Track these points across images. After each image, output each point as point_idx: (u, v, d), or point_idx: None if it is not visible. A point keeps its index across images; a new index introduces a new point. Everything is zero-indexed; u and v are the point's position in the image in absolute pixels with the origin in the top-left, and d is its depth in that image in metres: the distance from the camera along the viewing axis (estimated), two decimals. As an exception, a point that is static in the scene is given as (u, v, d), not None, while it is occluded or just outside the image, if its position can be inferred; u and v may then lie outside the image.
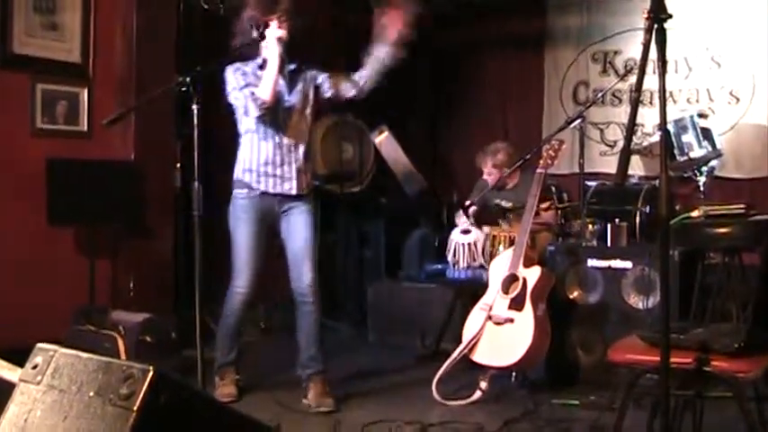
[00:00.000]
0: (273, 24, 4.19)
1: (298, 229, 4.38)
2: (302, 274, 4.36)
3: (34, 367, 1.90)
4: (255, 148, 4.33)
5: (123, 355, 4.58)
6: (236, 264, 4.39)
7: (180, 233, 5.90)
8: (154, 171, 5.72)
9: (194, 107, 3.58)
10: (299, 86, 4.40)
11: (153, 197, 5.69)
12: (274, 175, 4.33)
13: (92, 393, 1.75)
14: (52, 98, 5.43)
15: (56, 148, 5.31)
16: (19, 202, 5.18)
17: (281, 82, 4.31)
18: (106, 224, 5.47)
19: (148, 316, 4.96)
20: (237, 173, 4.39)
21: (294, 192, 4.36)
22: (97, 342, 4.59)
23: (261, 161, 4.33)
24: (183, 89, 3.63)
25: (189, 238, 5.13)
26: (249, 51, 4.30)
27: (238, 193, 4.37)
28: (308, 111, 4.44)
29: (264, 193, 4.33)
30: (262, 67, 4.29)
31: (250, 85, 4.24)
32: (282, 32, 4.18)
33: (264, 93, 4.18)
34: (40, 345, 1.95)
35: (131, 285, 5.62)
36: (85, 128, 5.57)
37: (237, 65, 4.30)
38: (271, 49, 4.18)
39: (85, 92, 5.57)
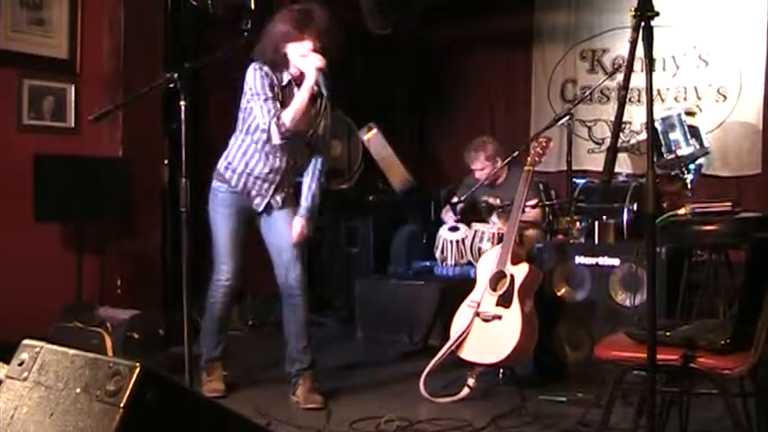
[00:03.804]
0: (306, 44, 4.06)
1: (280, 225, 4.33)
2: (288, 268, 4.33)
3: (20, 364, 1.90)
4: (249, 154, 4.26)
5: (110, 352, 4.57)
6: (218, 256, 4.37)
7: (168, 230, 5.90)
8: (141, 167, 5.70)
9: (182, 103, 3.57)
10: (313, 111, 4.26)
11: (140, 194, 5.68)
12: (252, 187, 4.30)
13: (78, 390, 1.75)
14: (39, 94, 5.41)
15: (43, 144, 5.29)
16: (5, 198, 5.16)
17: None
18: (94, 220, 5.45)
19: (136, 312, 4.95)
20: (221, 165, 4.33)
21: (260, 210, 4.31)
22: (84, 338, 4.58)
23: (246, 168, 4.27)
24: (171, 85, 3.62)
25: (177, 235, 5.13)
26: (279, 66, 4.16)
27: (218, 186, 4.33)
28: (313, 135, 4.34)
29: (242, 193, 4.31)
30: (288, 85, 4.17)
31: (274, 100, 4.11)
32: (322, 63, 4.04)
33: (288, 119, 4.06)
34: (26, 341, 1.95)
35: (119, 282, 5.61)
36: (73, 124, 5.55)
37: (266, 68, 4.13)
38: (308, 76, 4.06)
39: (73, 88, 5.55)
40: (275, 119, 4.06)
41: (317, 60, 4.05)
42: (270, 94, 4.10)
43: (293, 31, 4.09)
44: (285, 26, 4.12)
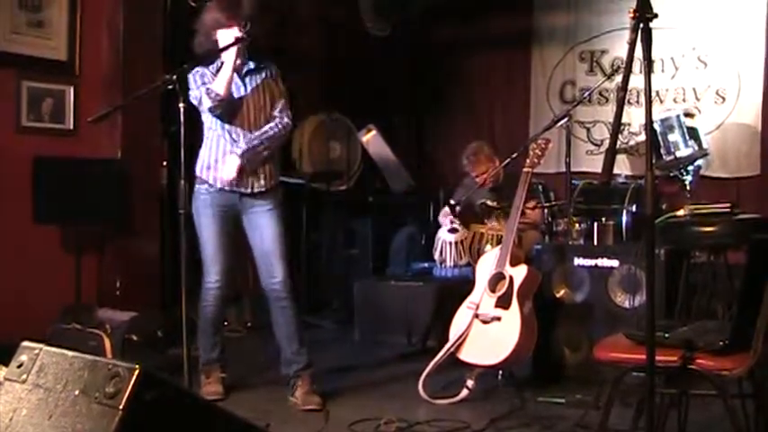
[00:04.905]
0: (234, 31, 4.17)
1: (262, 227, 4.33)
2: (272, 271, 4.31)
3: (19, 366, 1.90)
4: (214, 145, 4.30)
5: (109, 354, 4.56)
6: (205, 260, 4.37)
7: (166, 231, 5.89)
8: (140, 169, 5.70)
9: (181, 105, 3.57)
10: (259, 84, 4.34)
11: (139, 195, 5.67)
12: None
13: (77, 392, 1.75)
14: (38, 96, 5.41)
15: (41, 146, 5.29)
16: (4, 199, 5.16)
17: (238, 81, 4.28)
18: (92, 222, 5.45)
19: (135, 314, 4.95)
20: (198, 168, 4.34)
21: (248, 190, 4.29)
22: (83, 340, 4.58)
23: (219, 157, 4.28)
24: (170, 87, 3.62)
25: (175, 237, 5.13)
26: (212, 54, 4.27)
27: (200, 189, 4.33)
28: (272, 106, 4.37)
29: (223, 189, 4.30)
30: (220, 69, 4.25)
31: (206, 84, 4.21)
32: (241, 33, 4.14)
33: (219, 87, 4.16)
34: (25, 343, 1.95)
35: (118, 284, 5.60)
36: (71, 126, 5.55)
37: (198, 68, 4.25)
38: (229, 51, 4.16)
39: (71, 89, 5.55)
40: (206, 89, 4.17)
41: (235, 31, 4.14)
42: (200, 82, 4.22)
43: (221, 17, 4.21)
44: (215, 14, 4.26)
